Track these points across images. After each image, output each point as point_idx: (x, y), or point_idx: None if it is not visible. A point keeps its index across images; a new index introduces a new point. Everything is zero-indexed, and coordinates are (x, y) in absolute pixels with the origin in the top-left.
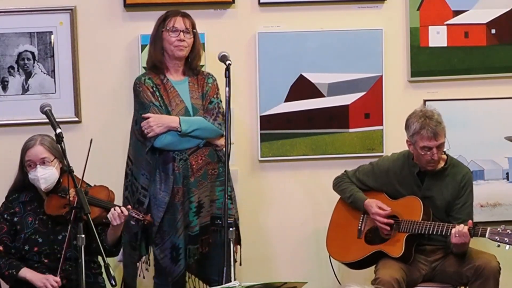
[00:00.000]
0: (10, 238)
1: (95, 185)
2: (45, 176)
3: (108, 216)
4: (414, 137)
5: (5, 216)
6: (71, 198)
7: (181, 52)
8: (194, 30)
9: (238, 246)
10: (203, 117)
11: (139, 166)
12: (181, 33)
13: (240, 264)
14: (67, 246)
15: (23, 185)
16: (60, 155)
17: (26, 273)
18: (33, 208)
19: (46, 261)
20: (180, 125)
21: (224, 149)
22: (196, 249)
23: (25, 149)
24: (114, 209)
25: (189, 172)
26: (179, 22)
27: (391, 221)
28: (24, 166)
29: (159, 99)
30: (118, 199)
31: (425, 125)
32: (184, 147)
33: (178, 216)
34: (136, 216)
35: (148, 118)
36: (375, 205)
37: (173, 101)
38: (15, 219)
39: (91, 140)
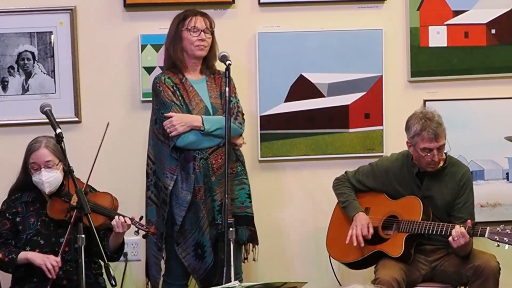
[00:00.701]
0: (11, 235)
1: (98, 192)
2: (50, 180)
3: (112, 223)
4: (415, 138)
5: (7, 215)
6: (74, 203)
7: (201, 52)
8: (213, 30)
9: (250, 244)
10: (224, 116)
11: (160, 166)
12: (202, 32)
13: (254, 260)
14: (65, 246)
15: (25, 185)
16: (64, 157)
17: (26, 254)
18: (35, 209)
19: None
20: (203, 124)
21: (241, 148)
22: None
23: (30, 151)
24: (118, 218)
25: (210, 171)
26: (200, 22)
27: (362, 243)
28: (28, 168)
29: (180, 98)
30: (121, 205)
31: (425, 127)
32: (205, 146)
33: (201, 214)
34: (139, 227)
35: (170, 117)
36: (366, 223)
37: (193, 100)
38: (17, 219)
39: (108, 124)
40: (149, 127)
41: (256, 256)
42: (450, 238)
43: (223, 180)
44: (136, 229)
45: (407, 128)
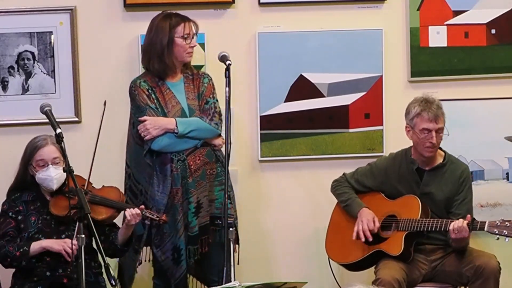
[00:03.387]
0: (16, 233)
1: (103, 186)
2: (57, 176)
3: (126, 216)
4: (414, 120)
5: (10, 213)
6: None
7: (191, 58)
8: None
9: (237, 246)
10: (199, 118)
11: (140, 169)
12: (193, 39)
13: (238, 263)
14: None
15: (24, 184)
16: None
17: (40, 243)
18: (36, 208)
19: (48, 259)
20: (177, 126)
21: (222, 148)
22: (195, 249)
23: (37, 147)
24: (130, 210)
25: (187, 172)
26: (191, 28)
27: (370, 238)
28: (31, 165)
29: (155, 101)
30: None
31: (426, 108)
32: (182, 149)
33: (178, 217)
34: (150, 216)
35: (144, 121)
36: (371, 217)
37: (169, 103)
38: (19, 217)
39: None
40: (127, 131)
41: (238, 259)
42: (450, 228)
43: (200, 181)
44: (145, 218)
45: (407, 112)
